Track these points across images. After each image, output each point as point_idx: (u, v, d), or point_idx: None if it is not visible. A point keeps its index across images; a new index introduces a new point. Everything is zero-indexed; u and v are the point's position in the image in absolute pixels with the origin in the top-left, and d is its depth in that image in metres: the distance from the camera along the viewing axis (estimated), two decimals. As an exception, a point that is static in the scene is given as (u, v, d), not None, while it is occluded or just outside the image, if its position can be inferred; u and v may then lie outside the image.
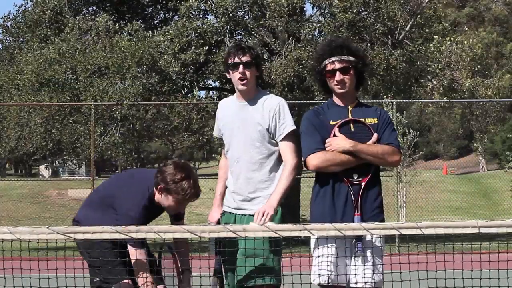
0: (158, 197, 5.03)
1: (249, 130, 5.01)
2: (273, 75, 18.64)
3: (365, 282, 4.46)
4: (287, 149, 4.95)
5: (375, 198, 4.57)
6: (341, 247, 4.43)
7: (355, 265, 4.46)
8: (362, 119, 4.61)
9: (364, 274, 4.45)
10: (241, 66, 4.95)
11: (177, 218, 5.35)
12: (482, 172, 53.84)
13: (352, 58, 4.61)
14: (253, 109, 5.03)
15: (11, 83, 20.18)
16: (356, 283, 4.47)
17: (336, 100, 4.70)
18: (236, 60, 4.96)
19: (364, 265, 4.45)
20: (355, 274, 4.46)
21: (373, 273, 4.47)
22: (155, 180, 5.00)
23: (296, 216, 20.09)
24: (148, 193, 5.03)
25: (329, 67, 4.61)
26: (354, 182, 4.51)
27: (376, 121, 4.61)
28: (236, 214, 5.07)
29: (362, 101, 5.07)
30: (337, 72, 4.59)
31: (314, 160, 4.54)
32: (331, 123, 4.58)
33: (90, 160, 18.44)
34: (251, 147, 5.00)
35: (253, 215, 4.92)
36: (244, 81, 4.98)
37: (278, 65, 18.88)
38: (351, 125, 4.59)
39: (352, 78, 4.63)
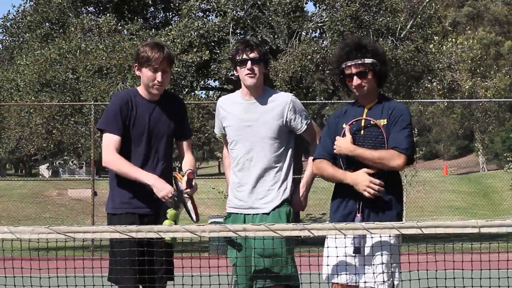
0: (141, 82, 4.95)
1: (263, 128, 4.95)
2: (280, 73, 18.63)
3: (374, 282, 4.43)
4: (313, 134, 5.06)
5: (376, 200, 4.48)
6: (353, 246, 4.42)
7: (371, 265, 4.41)
8: (376, 120, 4.55)
9: (373, 274, 4.42)
10: (249, 62, 4.91)
11: (180, 136, 5.17)
12: (482, 172, 53.83)
13: (369, 60, 4.55)
14: (265, 106, 4.98)
15: (11, 84, 20.15)
16: (365, 282, 4.44)
17: (358, 99, 4.70)
18: (244, 56, 4.93)
19: (375, 265, 4.41)
20: (364, 274, 4.43)
21: (383, 273, 4.40)
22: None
23: (298, 215, 20.05)
24: (126, 93, 5.02)
25: (347, 71, 4.59)
26: None
27: (385, 122, 4.55)
28: (245, 214, 4.97)
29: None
30: (354, 77, 4.56)
31: (313, 166, 4.82)
32: (344, 126, 4.59)
33: (91, 161, 18.41)
34: (265, 145, 4.95)
35: (266, 214, 4.90)
36: (253, 76, 4.94)
37: (284, 62, 18.88)
38: (361, 130, 4.56)
39: (371, 80, 4.58)
